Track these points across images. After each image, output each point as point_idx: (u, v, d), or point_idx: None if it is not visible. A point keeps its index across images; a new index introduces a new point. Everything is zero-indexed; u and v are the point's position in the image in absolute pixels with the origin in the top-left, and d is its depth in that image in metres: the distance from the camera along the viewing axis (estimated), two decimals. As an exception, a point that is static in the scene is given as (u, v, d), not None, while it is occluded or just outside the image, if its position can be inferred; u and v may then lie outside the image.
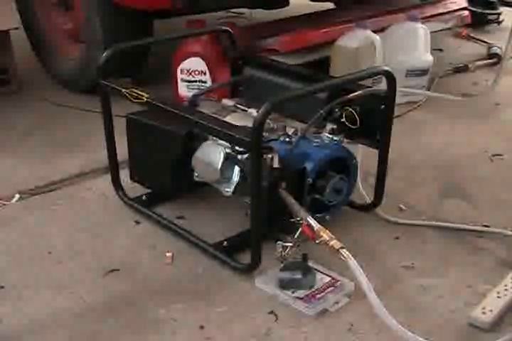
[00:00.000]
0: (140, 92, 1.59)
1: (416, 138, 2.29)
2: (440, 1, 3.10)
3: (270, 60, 2.00)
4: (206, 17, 2.48)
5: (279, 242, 1.49)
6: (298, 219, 1.44)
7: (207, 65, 2.40)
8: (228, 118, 1.64)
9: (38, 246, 1.66)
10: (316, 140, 1.61)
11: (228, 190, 1.59)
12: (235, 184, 1.58)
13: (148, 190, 1.85)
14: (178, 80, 2.46)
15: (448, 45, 3.39)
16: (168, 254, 1.61)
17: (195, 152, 1.62)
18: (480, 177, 2.01)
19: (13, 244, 1.68)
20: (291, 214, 1.47)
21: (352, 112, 1.62)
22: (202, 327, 1.38)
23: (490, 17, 3.68)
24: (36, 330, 1.38)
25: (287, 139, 1.61)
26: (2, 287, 1.51)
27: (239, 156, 1.56)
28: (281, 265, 1.49)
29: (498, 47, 3.15)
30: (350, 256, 1.31)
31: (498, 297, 1.42)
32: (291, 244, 1.47)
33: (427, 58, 2.60)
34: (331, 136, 1.62)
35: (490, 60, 3.11)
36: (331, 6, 3.27)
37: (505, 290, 1.44)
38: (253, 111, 1.69)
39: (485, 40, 3.41)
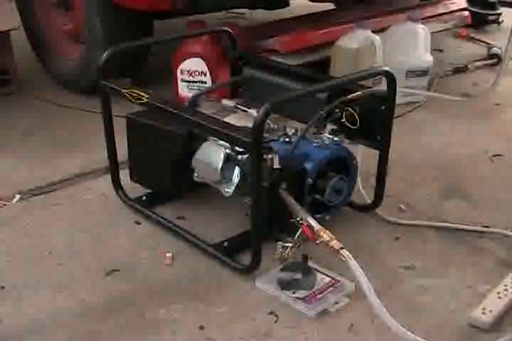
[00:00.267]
0: (140, 93, 1.59)
1: (416, 138, 2.29)
2: (440, 1, 3.10)
3: (270, 61, 2.00)
4: (206, 17, 2.48)
5: (279, 243, 1.49)
6: (298, 219, 1.44)
7: (207, 66, 2.40)
8: (228, 119, 1.64)
9: (38, 246, 1.66)
10: (316, 140, 1.61)
11: (228, 190, 1.59)
12: (235, 184, 1.57)
13: (149, 191, 1.85)
14: (178, 80, 2.46)
15: (448, 45, 3.39)
16: (168, 255, 1.61)
17: (195, 152, 1.62)
18: (480, 177, 2.01)
19: (13, 244, 1.68)
20: (292, 214, 1.47)
21: (352, 112, 1.62)
22: (202, 328, 1.38)
23: (490, 17, 3.68)
24: (36, 330, 1.38)
25: (287, 139, 1.61)
26: (2, 287, 1.51)
27: (239, 157, 1.56)
28: (282, 265, 1.49)
29: (498, 48, 3.15)
30: (351, 256, 1.31)
31: (499, 297, 1.42)
32: (291, 245, 1.47)
33: (427, 59, 2.60)
34: (331, 136, 1.62)
35: (490, 61, 3.11)
36: (331, 6, 3.27)
37: (506, 290, 1.44)
38: (253, 112, 1.69)
39: (485, 40, 3.41)
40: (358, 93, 1.58)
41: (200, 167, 1.62)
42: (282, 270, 1.48)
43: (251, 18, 3.61)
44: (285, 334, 1.36)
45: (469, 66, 3.01)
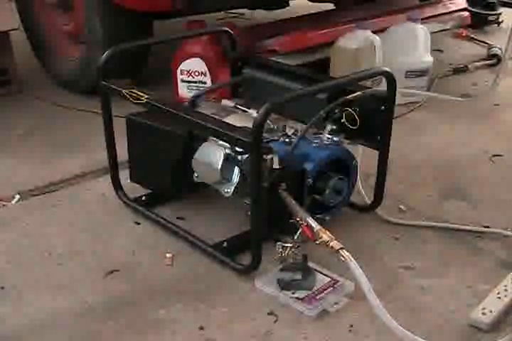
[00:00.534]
0: (140, 93, 1.59)
1: (416, 138, 2.29)
2: (440, 1, 3.10)
3: (270, 61, 2.00)
4: (206, 18, 2.48)
5: (279, 243, 1.49)
6: (298, 219, 1.44)
7: (207, 66, 2.40)
8: (228, 119, 1.64)
9: (38, 247, 1.66)
10: (316, 140, 1.61)
11: (228, 190, 1.59)
12: (234, 185, 1.58)
13: (148, 191, 1.85)
14: (178, 81, 2.46)
15: (448, 45, 3.39)
16: (168, 255, 1.61)
17: (195, 153, 1.62)
18: (480, 177, 2.02)
19: (13, 244, 1.68)
20: (291, 214, 1.47)
21: (352, 113, 1.62)
22: (202, 328, 1.38)
23: (490, 18, 3.68)
24: (36, 330, 1.38)
25: (287, 140, 1.61)
26: (2, 287, 1.51)
27: (239, 157, 1.56)
28: (281, 266, 1.49)
29: (498, 48, 3.15)
30: (350, 256, 1.31)
31: (498, 297, 1.42)
32: (291, 245, 1.47)
33: (426, 59, 2.60)
34: (331, 136, 1.62)
35: (490, 61, 3.11)
36: (330, 6, 3.27)
37: (505, 290, 1.44)
38: (253, 112, 1.70)
39: (485, 40, 3.41)
40: (358, 93, 1.58)
41: (200, 167, 1.62)
42: (282, 270, 1.48)
43: (251, 18, 3.61)
44: (285, 334, 1.36)
45: (469, 66, 3.02)
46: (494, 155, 2.16)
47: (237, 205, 1.66)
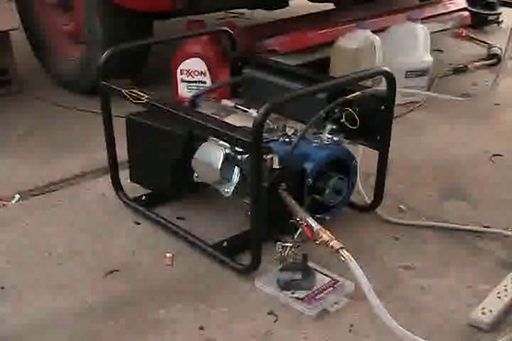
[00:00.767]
0: (140, 93, 1.59)
1: (416, 138, 2.29)
2: (440, 1, 3.10)
3: (270, 61, 2.00)
4: (206, 18, 2.48)
5: (279, 243, 1.49)
6: (298, 219, 1.44)
7: (207, 66, 2.40)
8: (228, 119, 1.64)
9: (38, 247, 1.66)
10: (315, 140, 1.61)
11: (228, 190, 1.59)
12: (234, 184, 1.57)
13: (148, 191, 1.85)
14: (178, 81, 2.46)
15: (448, 45, 3.39)
16: (168, 255, 1.61)
17: (195, 153, 1.62)
18: (480, 177, 2.02)
19: (13, 244, 1.68)
20: (291, 214, 1.47)
21: (352, 113, 1.62)
22: (202, 328, 1.38)
23: (490, 17, 3.68)
24: (36, 330, 1.38)
25: (287, 140, 1.61)
26: (2, 287, 1.51)
27: (239, 157, 1.56)
28: (281, 265, 1.49)
29: (498, 48, 3.15)
30: (350, 256, 1.31)
31: (498, 297, 1.42)
32: (291, 245, 1.47)
33: (426, 59, 2.60)
34: (330, 136, 1.62)
35: (490, 61, 3.11)
36: (330, 6, 3.27)
37: (505, 290, 1.44)
38: (253, 112, 1.70)
39: (485, 40, 3.41)
40: (358, 93, 1.58)
41: (200, 167, 1.62)
42: (282, 270, 1.48)
43: (251, 18, 3.61)
44: (285, 334, 1.36)
45: (469, 66, 3.02)
46: (494, 155, 2.16)
47: (237, 205, 1.66)
